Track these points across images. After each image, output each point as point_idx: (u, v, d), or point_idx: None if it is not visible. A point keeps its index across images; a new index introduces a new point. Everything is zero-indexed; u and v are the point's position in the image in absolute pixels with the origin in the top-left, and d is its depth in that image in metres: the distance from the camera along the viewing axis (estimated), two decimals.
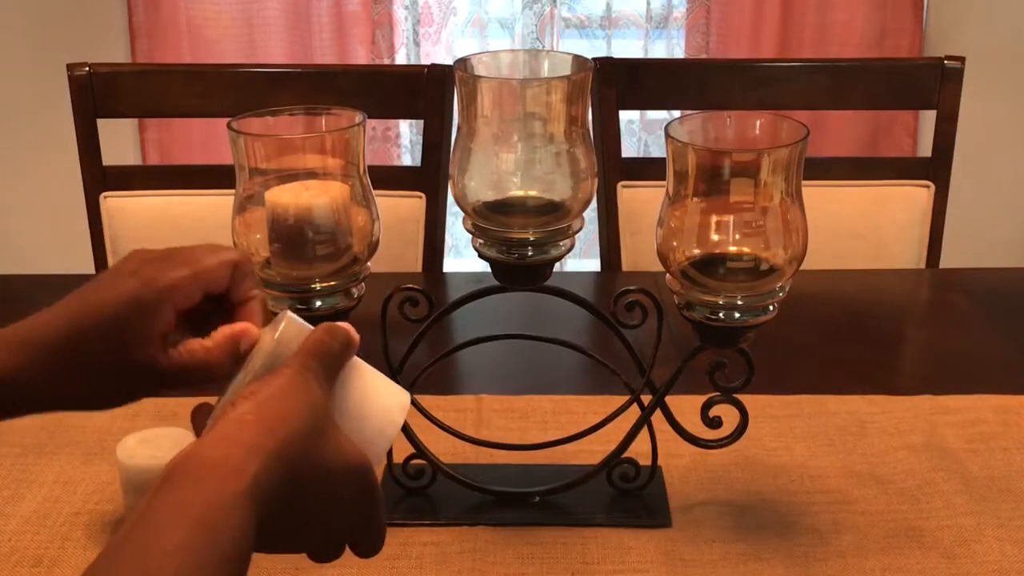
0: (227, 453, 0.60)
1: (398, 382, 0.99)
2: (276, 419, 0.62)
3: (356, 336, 0.70)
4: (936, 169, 1.66)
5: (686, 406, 0.97)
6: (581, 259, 2.90)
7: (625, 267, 1.66)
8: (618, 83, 1.63)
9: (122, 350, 0.70)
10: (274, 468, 0.60)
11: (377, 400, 0.71)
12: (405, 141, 2.86)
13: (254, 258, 0.91)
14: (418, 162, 1.69)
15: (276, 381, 0.65)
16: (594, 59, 1.50)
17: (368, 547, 0.71)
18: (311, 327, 0.70)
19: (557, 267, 0.97)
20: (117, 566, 0.55)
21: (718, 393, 0.95)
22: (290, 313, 0.71)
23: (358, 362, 0.71)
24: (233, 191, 0.91)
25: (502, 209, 0.92)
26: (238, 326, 0.72)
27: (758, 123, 0.93)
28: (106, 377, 0.72)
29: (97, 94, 1.61)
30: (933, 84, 1.63)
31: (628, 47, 2.80)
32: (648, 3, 2.74)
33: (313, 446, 0.63)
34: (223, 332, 0.72)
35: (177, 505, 0.57)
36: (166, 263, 0.72)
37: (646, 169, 1.67)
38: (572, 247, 0.95)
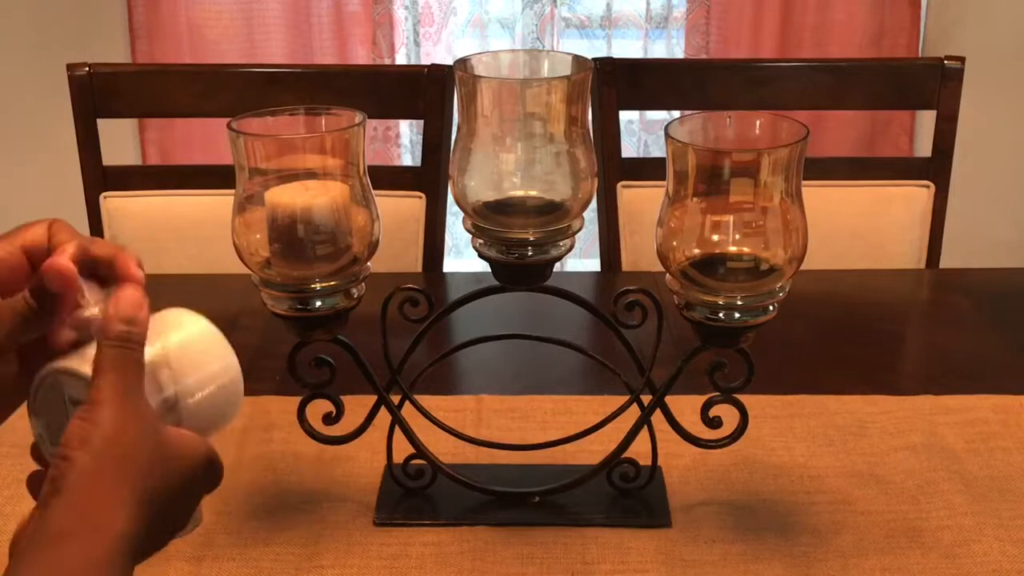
0: (83, 515, 0.58)
1: (397, 382, 0.99)
2: (123, 462, 0.60)
3: (144, 313, 0.64)
4: (936, 169, 1.66)
5: (686, 406, 0.97)
6: (581, 259, 2.90)
7: (625, 267, 1.66)
8: (618, 83, 1.63)
9: None
10: (136, 514, 0.59)
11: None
12: (405, 141, 2.86)
13: (254, 258, 0.91)
14: (418, 162, 1.69)
15: (103, 417, 0.60)
16: (594, 59, 1.50)
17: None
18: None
19: (557, 267, 0.97)
20: None
21: (718, 393, 0.95)
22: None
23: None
24: (233, 191, 0.91)
25: (502, 209, 0.92)
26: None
27: (758, 123, 0.92)
28: None
29: (97, 94, 1.61)
30: (933, 84, 1.63)
31: (628, 47, 2.80)
32: (648, 3, 2.74)
33: (159, 469, 0.62)
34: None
35: None
36: None
37: (646, 169, 1.67)
38: (572, 247, 0.95)
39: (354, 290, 0.93)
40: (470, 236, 0.94)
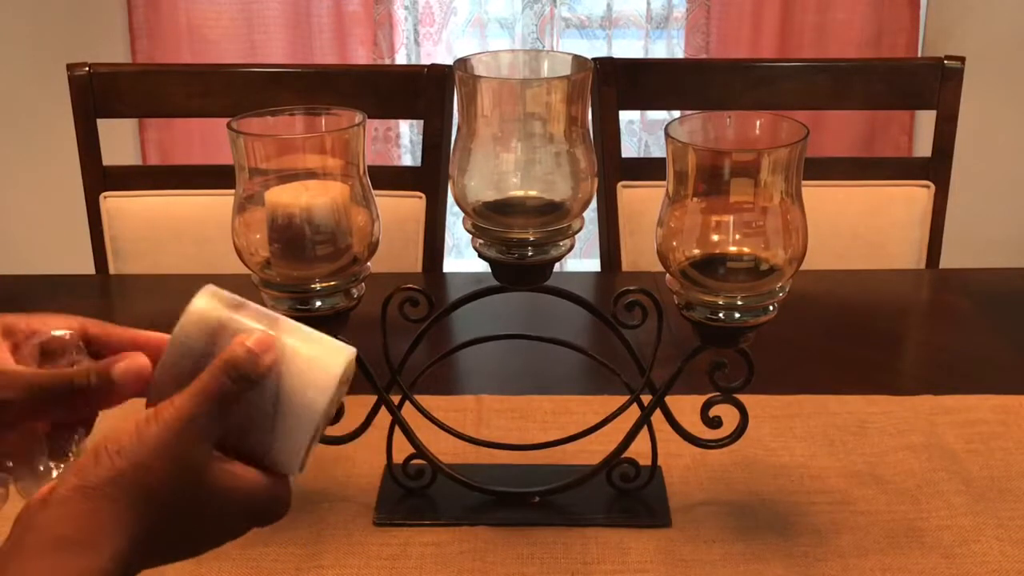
0: (86, 531, 0.58)
1: (397, 382, 0.99)
2: (143, 495, 0.59)
3: (264, 364, 0.63)
4: (936, 169, 1.66)
5: (686, 406, 0.97)
6: (581, 259, 2.90)
7: (625, 267, 1.66)
8: (618, 83, 1.63)
9: None
10: (140, 547, 0.59)
11: (298, 393, 0.64)
12: (405, 141, 2.86)
13: (254, 258, 0.91)
14: (418, 162, 1.69)
15: (152, 440, 0.60)
16: (594, 59, 1.50)
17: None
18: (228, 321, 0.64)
19: (557, 267, 0.97)
20: None
21: (718, 393, 0.95)
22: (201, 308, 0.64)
23: (285, 349, 0.65)
24: (233, 191, 0.91)
25: (502, 209, 0.92)
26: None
27: (758, 123, 0.92)
28: None
29: (97, 94, 1.61)
30: (933, 84, 1.63)
31: (628, 47, 2.80)
32: (648, 3, 2.74)
33: (188, 508, 0.61)
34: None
35: None
36: None
37: (646, 169, 1.67)
38: (572, 247, 0.95)
39: (354, 290, 0.93)
40: (470, 236, 0.94)
